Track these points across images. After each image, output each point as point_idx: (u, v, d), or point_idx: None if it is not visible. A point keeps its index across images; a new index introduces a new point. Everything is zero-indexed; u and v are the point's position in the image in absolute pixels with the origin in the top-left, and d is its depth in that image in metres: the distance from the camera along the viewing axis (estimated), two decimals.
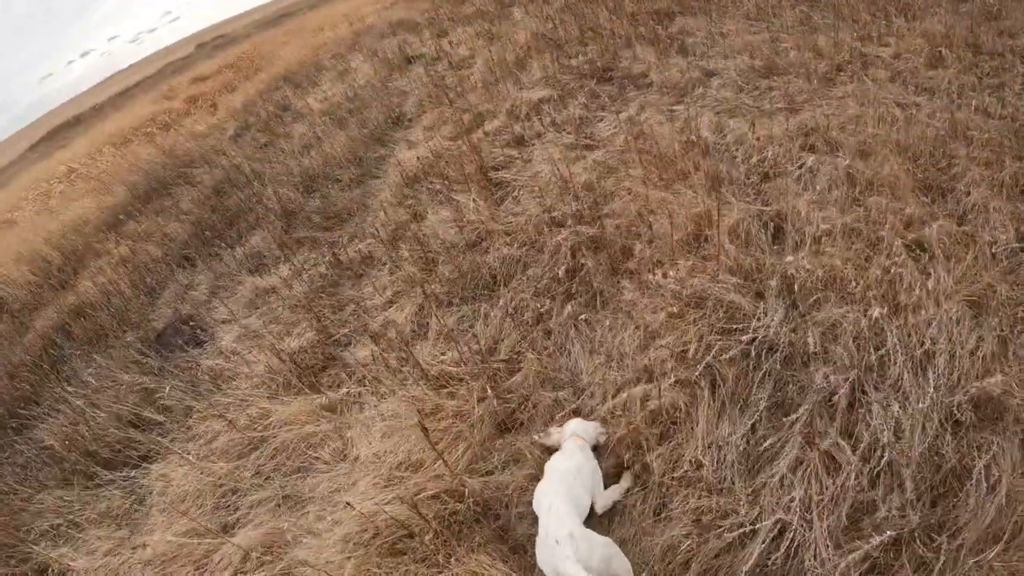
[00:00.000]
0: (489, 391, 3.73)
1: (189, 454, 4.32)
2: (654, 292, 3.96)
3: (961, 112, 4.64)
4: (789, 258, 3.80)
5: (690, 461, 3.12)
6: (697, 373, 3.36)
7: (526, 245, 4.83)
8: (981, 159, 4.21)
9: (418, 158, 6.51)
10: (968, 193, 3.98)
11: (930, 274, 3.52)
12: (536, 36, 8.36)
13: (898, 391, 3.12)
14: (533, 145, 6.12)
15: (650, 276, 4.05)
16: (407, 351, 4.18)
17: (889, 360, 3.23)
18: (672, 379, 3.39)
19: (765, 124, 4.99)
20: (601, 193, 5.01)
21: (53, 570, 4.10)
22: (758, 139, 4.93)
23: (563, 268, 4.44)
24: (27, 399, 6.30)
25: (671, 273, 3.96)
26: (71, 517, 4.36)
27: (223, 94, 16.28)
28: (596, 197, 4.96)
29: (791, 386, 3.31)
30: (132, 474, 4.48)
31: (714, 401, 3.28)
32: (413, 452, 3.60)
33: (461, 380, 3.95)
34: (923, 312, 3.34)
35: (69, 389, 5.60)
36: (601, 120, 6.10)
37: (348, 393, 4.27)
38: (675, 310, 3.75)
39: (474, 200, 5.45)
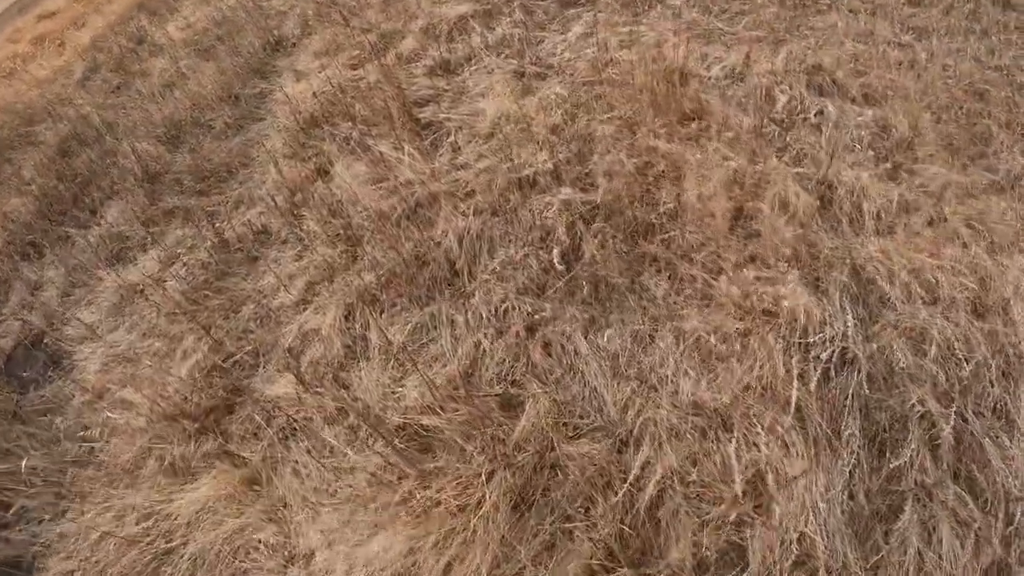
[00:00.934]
0: (499, 461, 2.62)
1: None
2: (698, 291, 2.89)
3: (966, 63, 3.99)
4: (864, 244, 2.84)
5: (797, 539, 2.14)
6: (790, 417, 2.35)
7: (488, 213, 3.62)
8: (1001, 119, 3.61)
9: (314, 93, 5.02)
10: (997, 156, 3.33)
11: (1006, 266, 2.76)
12: None
13: (1001, 418, 2.45)
14: (464, 73, 4.79)
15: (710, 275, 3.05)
16: (341, 390, 2.98)
17: (983, 376, 2.52)
18: (764, 425, 2.37)
19: (754, 55, 3.92)
20: (576, 140, 3.79)
21: None
22: (758, 75, 3.84)
23: (558, 251, 3.27)
24: None
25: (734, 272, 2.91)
26: None
27: (71, 30, 13.72)
28: (573, 146, 3.73)
29: (880, 413, 2.51)
30: None
31: (807, 447, 2.28)
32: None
33: (439, 437, 2.80)
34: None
35: None
36: (543, 42, 4.78)
37: (272, 450, 3.08)
38: (741, 325, 2.70)
39: (401, 148, 4.12)
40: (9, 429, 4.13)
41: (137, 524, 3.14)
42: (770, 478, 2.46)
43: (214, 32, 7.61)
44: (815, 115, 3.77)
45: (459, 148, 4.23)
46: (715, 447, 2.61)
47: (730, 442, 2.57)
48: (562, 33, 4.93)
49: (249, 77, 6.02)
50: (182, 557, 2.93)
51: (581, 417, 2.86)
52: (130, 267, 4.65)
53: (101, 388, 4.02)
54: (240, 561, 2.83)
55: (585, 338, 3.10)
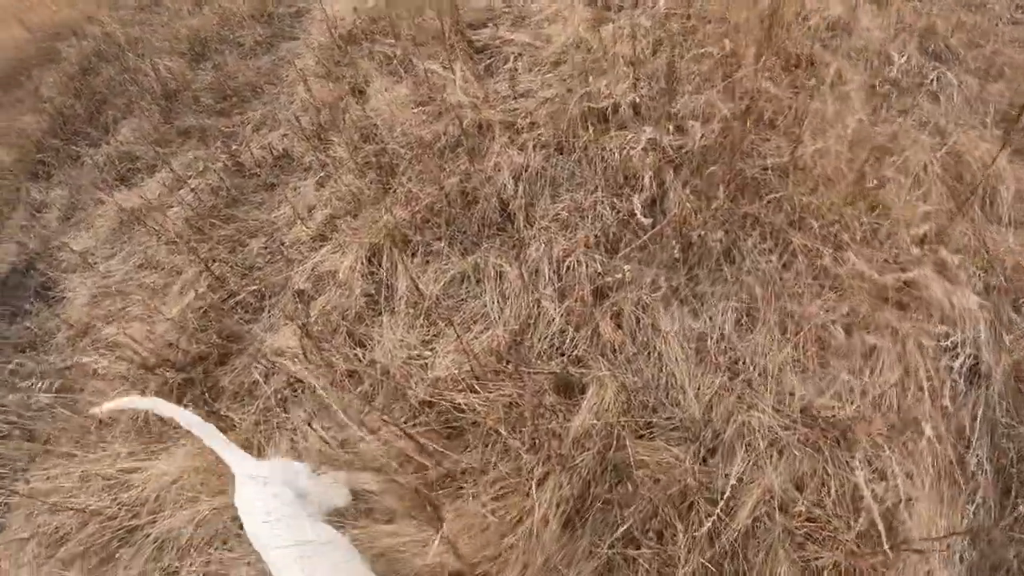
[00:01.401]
0: (554, 462, 1.98)
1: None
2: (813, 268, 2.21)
3: None
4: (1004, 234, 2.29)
5: None
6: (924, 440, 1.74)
7: (552, 149, 2.94)
8: None
9: (355, 8, 4.35)
10: None
11: None
12: None
13: None
14: None
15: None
16: (356, 348, 2.34)
17: None
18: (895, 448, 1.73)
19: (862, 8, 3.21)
20: (661, 76, 3.07)
21: None
22: (868, 29, 3.09)
23: (639, 200, 2.59)
24: None
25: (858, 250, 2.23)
26: None
27: None
28: (656, 83, 3.02)
29: (1008, 442, 1.97)
30: None
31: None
32: None
33: (475, 421, 2.17)
34: None
35: None
36: None
37: (268, 414, 2.47)
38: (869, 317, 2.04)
39: (452, 69, 3.44)
40: None
41: (102, 492, 2.57)
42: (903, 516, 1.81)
43: None
44: (932, 81, 3.02)
45: (518, 75, 3.55)
46: (829, 469, 1.93)
47: (853, 465, 1.92)
48: None
49: None
50: (147, 538, 2.35)
51: (655, 410, 2.23)
52: (135, 190, 4.07)
53: (86, 324, 3.47)
54: (216, 550, 2.25)
55: (667, 311, 2.42)
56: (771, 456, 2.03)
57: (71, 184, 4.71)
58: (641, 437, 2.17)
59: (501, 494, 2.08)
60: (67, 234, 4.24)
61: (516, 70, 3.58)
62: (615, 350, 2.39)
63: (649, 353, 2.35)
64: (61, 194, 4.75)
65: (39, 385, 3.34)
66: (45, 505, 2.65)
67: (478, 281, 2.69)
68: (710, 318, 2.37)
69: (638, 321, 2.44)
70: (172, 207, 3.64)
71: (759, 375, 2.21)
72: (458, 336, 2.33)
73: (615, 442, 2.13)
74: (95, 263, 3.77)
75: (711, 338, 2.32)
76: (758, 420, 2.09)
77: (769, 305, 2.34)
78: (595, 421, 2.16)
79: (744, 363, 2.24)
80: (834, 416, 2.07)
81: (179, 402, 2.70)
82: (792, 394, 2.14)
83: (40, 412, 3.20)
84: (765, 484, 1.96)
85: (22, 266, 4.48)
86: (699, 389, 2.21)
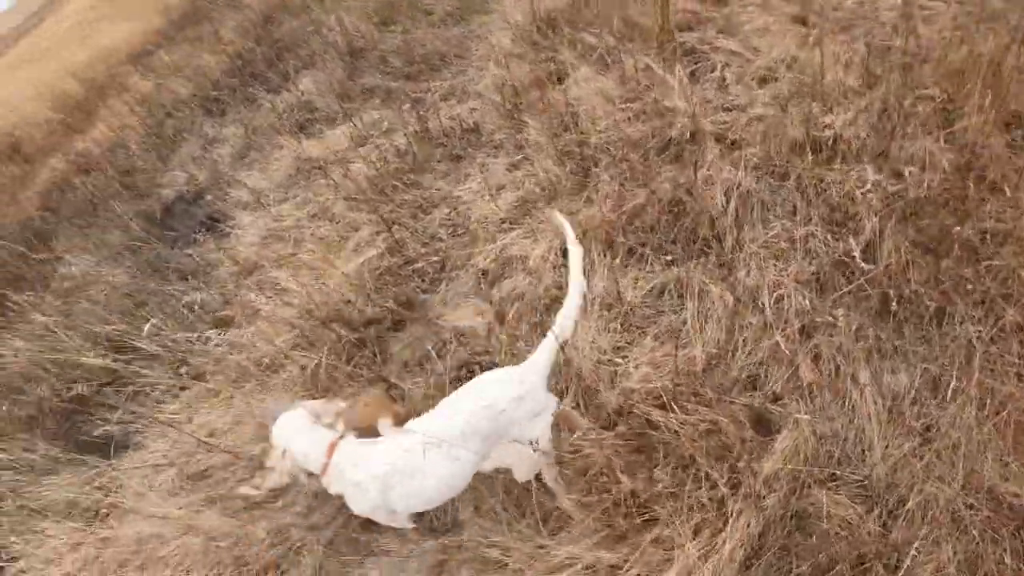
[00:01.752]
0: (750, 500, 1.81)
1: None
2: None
3: None
4: None
5: None
6: None
7: (764, 172, 2.74)
8: None
9: None
10: None
11: None
12: None
13: None
14: (733, 3, 3.80)
15: None
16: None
17: None
18: None
19: None
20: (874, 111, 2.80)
21: None
22: None
23: (858, 244, 2.35)
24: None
25: None
26: None
27: None
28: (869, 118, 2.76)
29: None
30: None
31: None
32: None
33: (667, 440, 2.01)
34: None
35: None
36: None
37: (439, 390, 2.37)
38: None
39: (670, 69, 3.25)
40: (145, 284, 3.72)
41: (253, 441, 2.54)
42: None
43: None
44: None
45: (727, 86, 3.33)
46: (1007, 559, 1.80)
47: None
48: None
49: None
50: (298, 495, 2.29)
51: (840, 463, 2.08)
52: (314, 140, 4.09)
53: (253, 263, 3.49)
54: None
55: (868, 363, 2.22)
56: (953, 537, 1.86)
57: (246, 124, 4.81)
58: (826, 488, 2.00)
59: (691, 521, 1.93)
60: (240, 172, 4.31)
61: (724, 80, 3.37)
62: (811, 394, 2.20)
63: (844, 403, 2.18)
64: (235, 132, 4.86)
65: (201, 315, 3.38)
66: (193, 439, 2.63)
67: (680, 296, 2.50)
68: (908, 378, 2.19)
69: (838, 369, 2.25)
70: (354, 163, 3.60)
71: (951, 447, 2.02)
72: (674, 356, 2.13)
73: (799, 488, 2.01)
74: (267, 204, 3.79)
75: (906, 399, 2.15)
76: (944, 494, 1.92)
77: (972, 377, 2.09)
78: (786, 464, 2.00)
79: (937, 431, 2.06)
80: (1021, 504, 1.87)
81: (348, 363, 2.65)
82: (981, 473, 1.93)
83: (198, 344, 3.22)
84: (940, 560, 1.82)
85: (190, 195, 4.60)
86: (887, 449, 2.06)
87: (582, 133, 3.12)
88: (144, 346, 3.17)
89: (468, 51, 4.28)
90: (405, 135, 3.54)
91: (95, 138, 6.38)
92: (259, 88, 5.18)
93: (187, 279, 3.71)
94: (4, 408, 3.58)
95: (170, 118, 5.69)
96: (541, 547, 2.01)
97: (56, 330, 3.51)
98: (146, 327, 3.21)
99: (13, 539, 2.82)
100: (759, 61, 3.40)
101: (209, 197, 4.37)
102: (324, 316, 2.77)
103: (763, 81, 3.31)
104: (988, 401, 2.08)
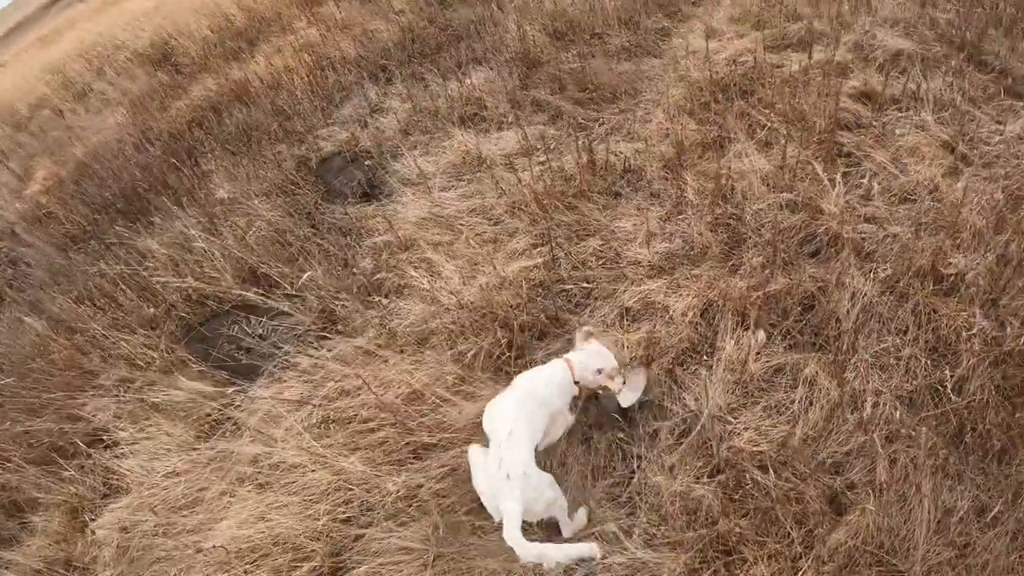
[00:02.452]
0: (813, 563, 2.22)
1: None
2: None
3: None
4: None
5: None
6: None
7: (888, 291, 3.10)
8: None
9: (732, 60, 4.53)
10: None
11: None
12: None
13: None
14: (890, 114, 4.05)
15: None
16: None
17: None
18: None
19: None
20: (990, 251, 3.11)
21: None
22: None
23: (955, 376, 2.73)
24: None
25: None
26: None
27: None
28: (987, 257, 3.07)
29: None
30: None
31: None
32: None
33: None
34: None
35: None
36: (975, 120, 3.91)
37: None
38: None
39: (824, 167, 3.57)
40: (297, 228, 4.17)
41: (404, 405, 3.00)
42: None
43: None
44: None
45: (872, 196, 3.60)
46: None
47: None
48: (997, 121, 4.06)
49: (653, 10, 5.58)
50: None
51: (888, 552, 2.39)
52: (484, 137, 4.50)
53: (410, 239, 3.92)
54: None
55: (932, 477, 2.54)
56: None
57: (412, 100, 5.22)
58: (873, 570, 2.35)
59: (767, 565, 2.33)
60: (404, 147, 4.73)
61: (871, 190, 3.63)
62: (880, 490, 2.53)
63: (904, 504, 2.48)
64: (402, 106, 5.27)
65: (355, 276, 3.81)
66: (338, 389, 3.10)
67: (794, 379, 2.85)
68: (963, 500, 2.48)
69: (907, 476, 2.56)
70: (523, 171, 3.98)
71: (980, 565, 2.31)
72: (784, 425, 2.49)
73: (851, 564, 2.35)
74: (432, 188, 4.21)
75: (955, 516, 2.44)
76: None
77: (1014, 513, 2.41)
78: (848, 542, 2.36)
79: (972, 549, 2.36)
80: None
81: (497, 358, 3.08)
82: None
83: (345, 300, 3.65)
84: None
85: (348, 154, 5.04)
86: (927, 553, 2.34)
87: (737, 207, 3.47)
88: (289, 290, 3.68)
89: (637, 91, 4.60)
90: (576, 163, 3.92)
91: (254, 71, 6.87)
92: (428, 68, 5.58)
93: (342, 235, 4.16)
94: (133, 301, 4.12)
95: (334, 72, 6.13)
96: None
97: (205, 246, 4.03)
98: (304, 275, 3.68)
99: (124, 424, 3.32)
100: (904, 178, 3.66)
101: (368, 164, 4.81)
102: (484, 310, 3.19)
103: (904, 200, 3.57)
104: (1021, 536, 2.38)
